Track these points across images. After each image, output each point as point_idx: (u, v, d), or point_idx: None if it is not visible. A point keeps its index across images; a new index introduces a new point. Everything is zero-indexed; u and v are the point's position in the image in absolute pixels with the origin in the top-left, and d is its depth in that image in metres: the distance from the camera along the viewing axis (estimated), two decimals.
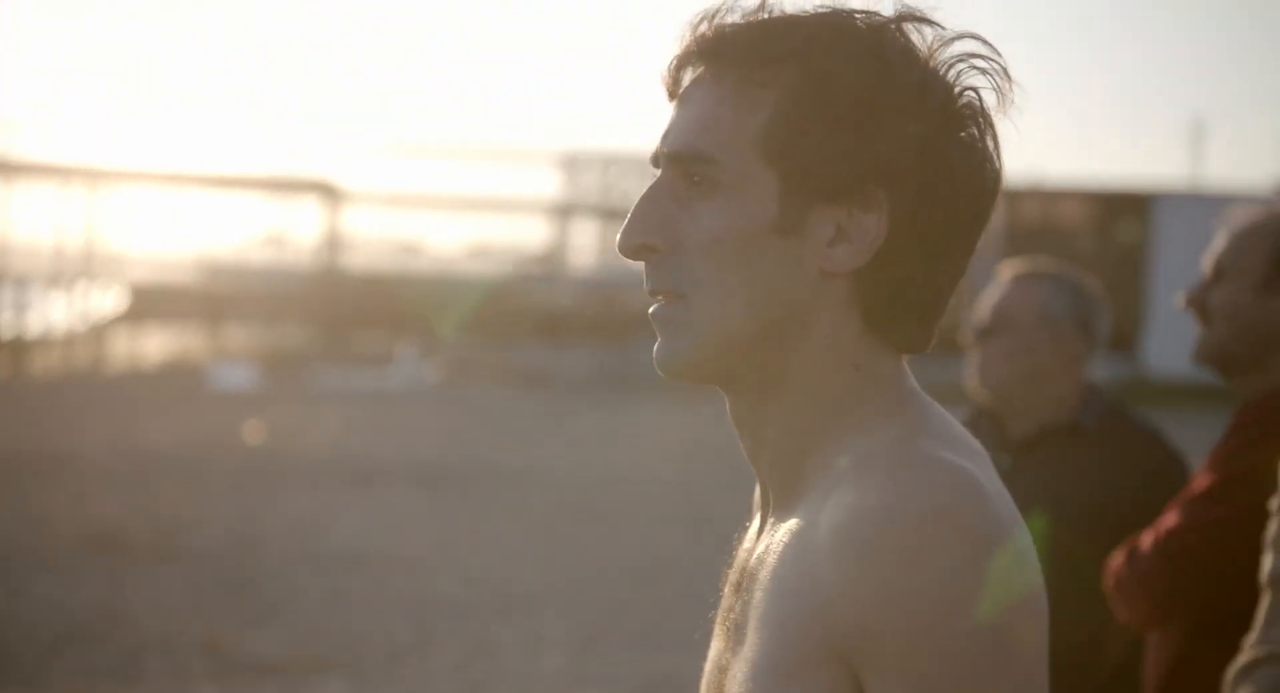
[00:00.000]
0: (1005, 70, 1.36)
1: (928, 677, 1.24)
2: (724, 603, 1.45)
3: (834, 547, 1.27)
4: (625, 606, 9.41)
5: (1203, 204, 25.15)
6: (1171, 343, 24.00)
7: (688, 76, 1.41)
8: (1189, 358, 2.87)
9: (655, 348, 1.40)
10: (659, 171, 1.41)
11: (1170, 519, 2.79)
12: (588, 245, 49.07)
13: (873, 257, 1.35)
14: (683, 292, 1.38)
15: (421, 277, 38.16)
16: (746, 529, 1.50)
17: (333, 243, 35.75)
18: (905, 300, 1.36)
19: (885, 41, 1.34)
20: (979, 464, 1.32)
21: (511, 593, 9.62)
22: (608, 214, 48.47)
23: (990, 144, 1.36)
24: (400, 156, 52.76)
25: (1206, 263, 2.84)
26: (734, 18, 1.39)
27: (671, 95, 1.42)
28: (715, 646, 1.45)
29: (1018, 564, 1.26)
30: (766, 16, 1.38)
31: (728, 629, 1.41)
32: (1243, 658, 2.34)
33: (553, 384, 26.98)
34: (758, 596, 1.35)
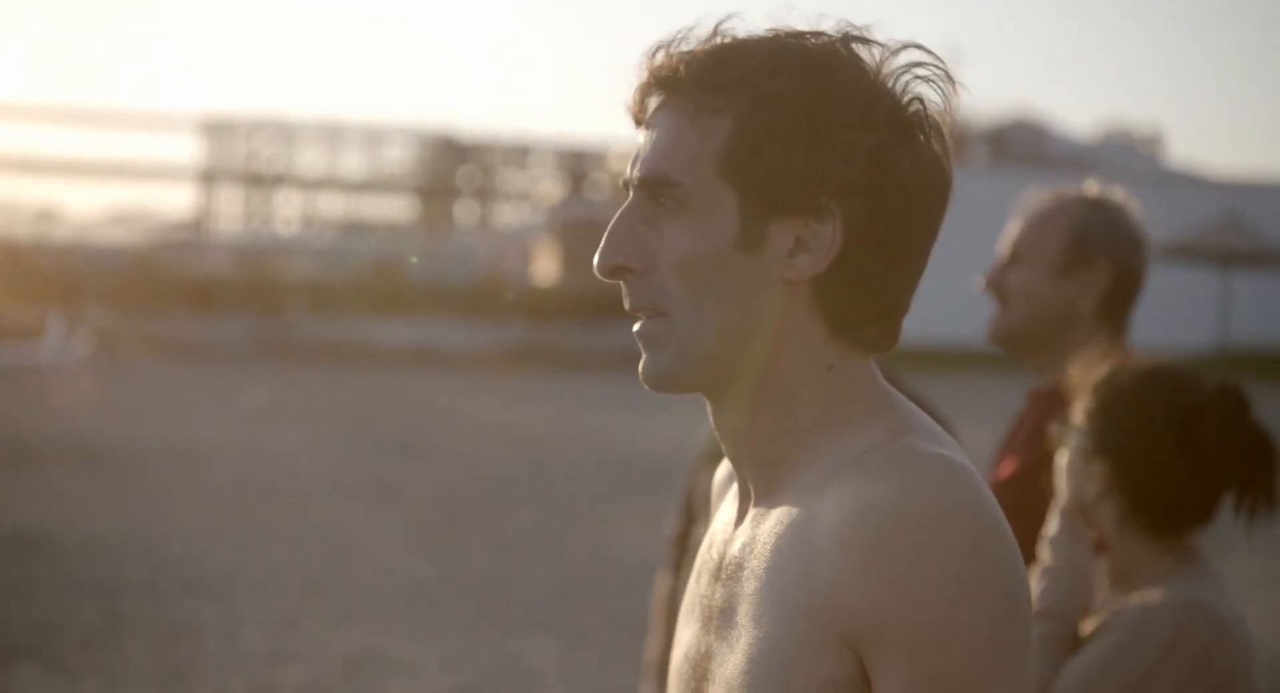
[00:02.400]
0: (949, 76, 1.45)
1: (938, 663, 1.33)
2: (699, 591, 1.51)
3: (845, 541, 1.35)
4: (320, 582, 9.34)
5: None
6: None
7: (652, 104, 1.49)
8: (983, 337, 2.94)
9: (642, 363, 1.48)
10: (630, 195, 1.49)
11: None
12: (233, 212, 48.04)
13: (831, 263, 1.43)
14: (662, 309, 1.46)
15: (60, 244, 36.76)
16: (714, 521, 1.58)
17: None
18: (864, 301, 1.45)
19: (831, 61, 1.43)
20: (965, 456, 1.42)
21: (202, 574, 9.44)
22: (252, 180, 47.52)
23: (939, 148, 1.45)
24: (35, 120, 50.55)
25: (1003, 246, 2.93)
26: (689, 46, 1.46)
27: (638, 122, 1.50)
28: (690, 631, 1.52)
29: (1014, 550, 1.37)
30: (720, 44, 1.46)
31: (708, 616, 1.48)
32: None
33: (207, 356, 26.38)
34: (751, 585, 1.42)
